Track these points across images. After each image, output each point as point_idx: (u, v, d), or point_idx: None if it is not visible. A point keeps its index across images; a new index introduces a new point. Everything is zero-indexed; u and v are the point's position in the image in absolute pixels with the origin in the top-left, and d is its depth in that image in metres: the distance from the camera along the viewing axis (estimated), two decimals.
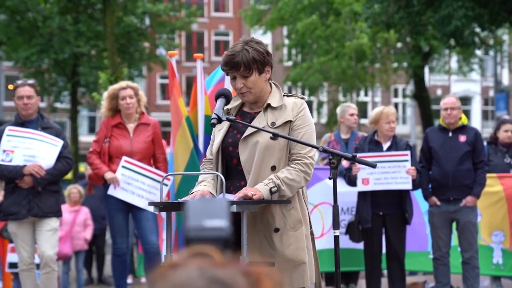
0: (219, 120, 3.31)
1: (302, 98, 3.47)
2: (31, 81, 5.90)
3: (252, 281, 1.01)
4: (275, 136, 3.27)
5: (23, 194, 5.64)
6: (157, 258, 5.93)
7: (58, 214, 5.77)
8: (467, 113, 35.15)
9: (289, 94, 3.49)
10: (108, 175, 5.87)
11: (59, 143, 5.71)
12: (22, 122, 5.78)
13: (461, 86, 35.77)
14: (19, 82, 5.89)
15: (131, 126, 6.04)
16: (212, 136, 3.58)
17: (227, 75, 3.45)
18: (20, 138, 5.67)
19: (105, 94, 6.17)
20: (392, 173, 6.08)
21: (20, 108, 5.76)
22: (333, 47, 21.64)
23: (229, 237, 1.24)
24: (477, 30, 14.85)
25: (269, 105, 3.41)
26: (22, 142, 5.66)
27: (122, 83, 6.18)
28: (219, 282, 0.99)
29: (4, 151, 5.63)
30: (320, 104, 27.54)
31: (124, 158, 5.87)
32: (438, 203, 6.25)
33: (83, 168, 24.79)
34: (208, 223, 1.24)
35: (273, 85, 3.47)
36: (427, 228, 7.05)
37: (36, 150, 5.67)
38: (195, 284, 0.98)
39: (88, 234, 9.68)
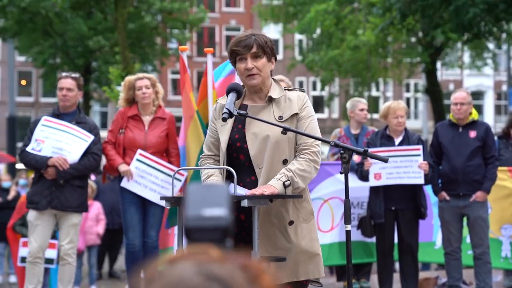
0: (231, 115, 3.31)
1: (303, 91, 3.51)
2: (75, 74, 5.99)
3: (251, 277, 0.99)
4: (285, 131, 3.27)
5: (46, 185, 5.73)
6: (155, 252, 5.96)
7: (80, 209, 5.82)
8: (479, 108, 34.97)
9: (290, 89, 3.51)
10: (122, 167, 5.85)
11: (90, 138, 5.78)
12: (58, 114, 5.87)
13: (474, 81, 35.58)
14: (63, 73, 6.01)
15: (147, 119, 6.00)
16: (209, 131, 3.56)
17: (237, 57, 3.42)
18: (53, 129, 5.76)
19: (122, 84, 6.16)
20: (405, 167, 6.06)
21: (59, 99, 5.86)
22: (346, 39, 21.53)
23: (229, 226, 1.19)
24: (492, 22, 14.75)
25: (271, 98, 3.42)
26: (54, 133, 5.75)
27: (139, 74, 6.18)
28: (217, 279, 0.96)
29: (36, 140, 5.73)
30: (331, 97, 27.40)
31: (139, 151, 5.86)
32: (448, 198, 6.23)
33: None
34: (207, 212, 1.20)
35: (273, 80, 3.49)
36: (433, 219, 7.06)
37: (65, 143, 5.74)
38: (191, 281, 0.96)
39: (100, 229, 9.72)
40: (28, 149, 5.72)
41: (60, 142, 5.73)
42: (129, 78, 6.13)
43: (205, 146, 3.59)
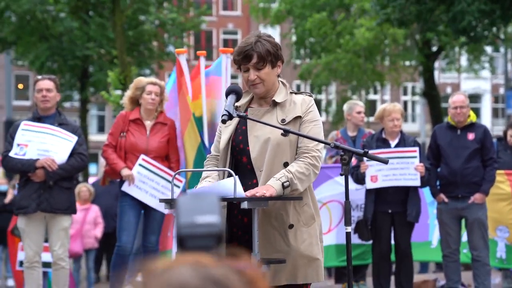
0: (230, 117, 3.30)
1: (310, 96, 3.49)
2: (52, 76, 5.95)
3: (247, 280, 1.00)
4: (286, 133, 3.27)
5: (34, 188, 5.67)
6: (155, 256, 5.91)
7: (69, 211, 5.78)
8: (477, 111, 35.00)
9: (298, 92, 3.50)
10: (125, 171, 5.80)
11: (74, 139, 5.73)
12: (39, 117, 5.81)
13: (471, 84, 35.63)
14: (40, 76, 5.96)
15: (148, 124, 5.95)
16: (217, 132, 3.56)
17: (239, 67, 3.42)
18: (35, 132, 5.70)
19: (132, 83, 6.07)
20: (401, 169, 6.06)
21: (38, 101, 5.80)
22: (341, 44, 21.57)
23: (221, 233, 1.22)
24: (489, 27, 14.79)
25: (275, 102, 3.41)
26: (37, 136, 5.69)
27: (153, 79, 6.11)
28: (214, 281, 0.97)
29: (18, 145, 5.67)
30: (329, 103, 27.47)
31: (142, 156, 5.82)
32: (446, 200, 6.24)
33: (93, 168, 24.88)
34: (200, 219, 1.22)
35: (280, 82, 3.48)
36: (429, 218, 7.08)
37: (50, 145, 5.69)
38: (190, 283, 0.97)
39: (98, 232, 9.70)
40: (11, 154, 5.65)
41: (45, 144, 5.67)
42: (141, 79, 6.08)
43: (213, 146, 3.60)
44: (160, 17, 20.54)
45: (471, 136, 6.26)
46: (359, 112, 7.25)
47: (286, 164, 3.35)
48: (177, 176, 5.62)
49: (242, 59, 3.36)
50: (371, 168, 6.09)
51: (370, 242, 6.44)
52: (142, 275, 1.06)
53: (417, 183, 6.06)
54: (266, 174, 3.33)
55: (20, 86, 33.55)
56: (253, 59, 3.34)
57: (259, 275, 1.02)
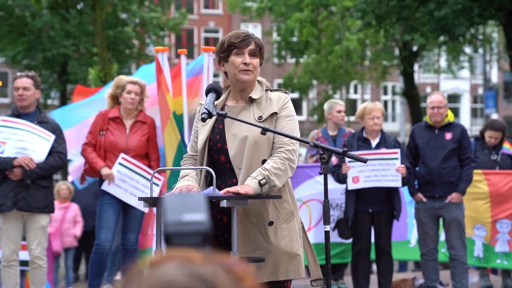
0: (210, 115, 3.30)
1: (286, 93, 3.51)
2: (31, 73, 5.84)
3: (235, 278, 1.00)
4: (265, 131, 3.27)
5: (11, 186, 5.61)
6: (135, 255, 5.90)
7: (47, 210, 5.72)
8: (456, 111, 35.29)
9: (273, 89, 3.51)
10: (105, 170, 5.78)
11: (52, 137, 5.68)
12: (18, 114, 5.75)
13: (450, 84, 35.91)
14: (18, 73, 5.87)
15: (128, 122, 5.93)
16: (193, 132, 3.56)
17: (233, 50, 3.38)
18: (13, 129, 5.63)
19: (113, 82, 6.05)
20: (382, 170, 6.09)
21: (16, 100, 5.73)
22: (323, 44, 21.64)
23: (208, 231, 1.22)
24: (467, 25, 14.89)
25: (251, 99, 3.42)
26: (14, 133, 5.62)
27: (133, 78, 6.07)
28: (202, 279, 0.97)
29: None
30: (313, 105, 27.55)
31: (122, 155, 5.80)
32: (424, 199, 6.29)
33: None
34: (187, 217, 1.22)
35: (256, 81, 3.49)
36: (408, 217, 7.14)
37: (28, 143, 5.63)
38: (177, 281, 0.96)
39: (77, 230, 9.64)
40: None
41: (23, 142, 5.62)
42: (122, 77, 6.04)
43: (189, 147, 3.58)
44: (142, 15, 20.46)
45: (448, 135, 6.31)
46: (339, 111, 7.28)
47: (264, 161, 3.36)
48: (156, 174, 5.60)
49: (241, 42, 3.38)
50: (352, 169, 6.10)
51: (350, 240, 6.47)
52: (127, 274, 1.06)
53: (399, 184, 6.10)
54: (245, 172, 3.33)
55: None
56: (251, 45, 3.39)
57: (247, 272, 1.02)
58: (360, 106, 6.46)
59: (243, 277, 1.01)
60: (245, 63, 3.37)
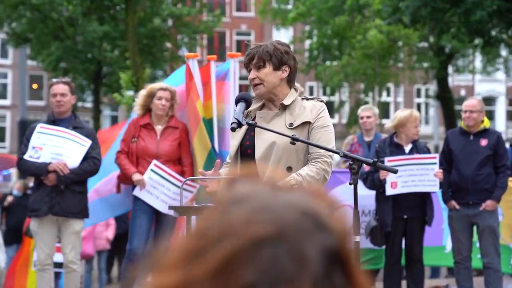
0: (239, 125, 3.31)
1: (321, 101, 3.49)
2: (66, 79, 5.97)
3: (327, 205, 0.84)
4: (294, 141, 3.26)
5: (46, 191, 5.70)
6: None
7: (81, 215, 5.80)
8: (491, 114, 34.77)
9: (309, 98, 3.50)
10: (136, 176, 5.82)
11: (87, 143, 5.76)
12: (54, 120, 5.86)
13: (485, 86, 35.41)
14: (54, 80, 5.99)
15: (159, 128, 5.96)
16: (231, 141, 3.60)
17: (247, 68, 3.51)
18: (50, 135, 5.74)
19: (142, 92, 6.10)
20: (420, 175, 6.05)
21: (53, 106, 5.85)
22: (356, 46, 21.51)
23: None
24: (503, 27, 14.64)
25: (284, 106, 3.42)
26: (51, 139, 5.73)
27: (163, 84, 6.11)
28: (313, 216, 0.81)
29: (34, 147, 5.72)
30: (341, 104, 27.36)
31: (154, 162, 5.83)
32: (457, 207, 6.20)
33: None
34: None
35: (292, 88, 3.49)
36: (444, 223, 7.04)
37: (63, 149, 5.72)
38: (288, 218, 0.79)
39: (110, 233, 9.73)
40: (26, 156, 5.70)
41: (59, 148, 5.71)
42: (152, 86, 6.09)
43: (228, 155, 3.66)
44: (173, 11, 20.49)
45: (484, 142, 6.21)
46: (361, 118, 7.23)
47: (289, 169, 3.35)
48: (189, 182, 5.63)
49: (246, 61, 3.48)
50: (391, 175, 6.04)
51: (382, 247, 6.41)
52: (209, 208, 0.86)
53: (436, 189, 6.06)
54: None
55: (34, 86, 33.74)
56: (254, 60, 3.44)
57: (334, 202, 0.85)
58: (401, 114, 6.26)
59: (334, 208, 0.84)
60: (251, 79, 3.46)
